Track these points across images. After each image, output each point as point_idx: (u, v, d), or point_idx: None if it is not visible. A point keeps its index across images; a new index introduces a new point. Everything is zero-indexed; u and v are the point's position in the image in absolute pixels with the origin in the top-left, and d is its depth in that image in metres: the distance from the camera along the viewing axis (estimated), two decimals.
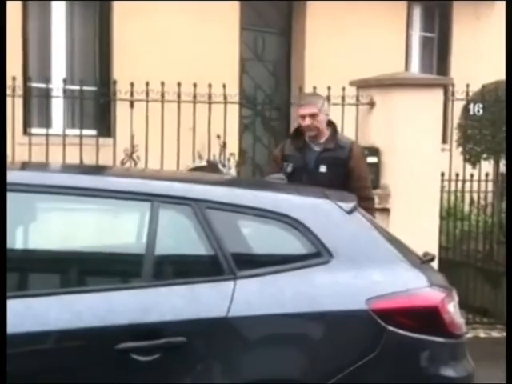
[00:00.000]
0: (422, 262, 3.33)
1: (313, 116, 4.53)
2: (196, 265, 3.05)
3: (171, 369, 2.80)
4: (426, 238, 5.39)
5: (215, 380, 2.86)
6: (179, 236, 3.07)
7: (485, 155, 6.62)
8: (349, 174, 4.50)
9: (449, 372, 2.99)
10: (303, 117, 4.58)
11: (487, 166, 6.55)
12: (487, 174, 6.32)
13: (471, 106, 6.24)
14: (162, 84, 5.42)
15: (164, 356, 2.77)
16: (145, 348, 2.76)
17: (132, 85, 5.38)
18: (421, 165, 5.62)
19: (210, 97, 5.51)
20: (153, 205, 2.97)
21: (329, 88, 5.62)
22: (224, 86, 5.51)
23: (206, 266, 3.01)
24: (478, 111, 6.21)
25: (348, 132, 5.63)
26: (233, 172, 4.93)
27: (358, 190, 4.20)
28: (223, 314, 2.84)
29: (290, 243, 3.08)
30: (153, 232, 2.92)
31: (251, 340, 2.92)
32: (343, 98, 5.75)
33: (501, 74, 7.29)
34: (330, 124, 4.69)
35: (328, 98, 5.65)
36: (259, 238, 3.16)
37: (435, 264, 5.14)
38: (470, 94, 6.11)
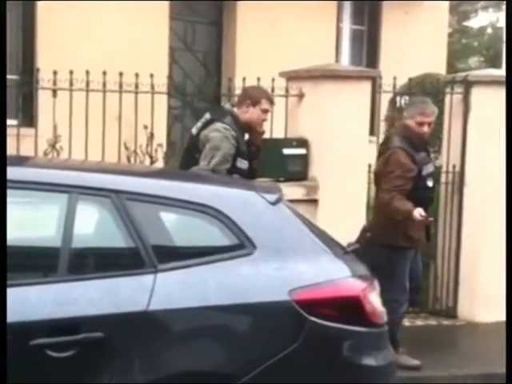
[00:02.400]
0: (345, 252, 3.35)
1: (430, 125, 4.81)
2: (115, 258, 2.99)
3: (89, 365, 2.73)
4: (353, 229, 5.41)
5: (135, 375, 2.81)
6: (98, 228, 3.01)
7: None
8: None
9: (370, 361, 3.02)
10: (423, 124, 4.74)
11: None
12: None
13: (398, 98, 6.33)
14: (87, 73, 5.29)
15: (81, 352, 2.70)
16: (60, 344, 2.69)
17: (55, 73, 5.23)
18: (349, 156, 5.66)
19: (136, 86, 5.41)
20: (71, 196, 2.89)
21: (258, 79, 5.59)
22: (151, 76, 5.42)
23: (126, 259, 2.95)
24: (405, 103, 6.30)
25: (277, 123, 5.63)
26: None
27: None
28: (143, 308, 2.80)
29: (213, 235, 3.05)
30: (70, 224, 2.85)
31: (172, 333, 2.88)
32: (273, 89, 5.72)
33: (427, 68, 7.45)
34: None
35: None
36: (182, 229, 3.13)
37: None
38: (398, 86, 6.19)
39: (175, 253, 2.99)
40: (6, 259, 2.72)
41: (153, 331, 2.81)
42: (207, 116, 4.66)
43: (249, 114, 4.60)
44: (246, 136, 4.64)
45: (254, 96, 4.63)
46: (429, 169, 4.81)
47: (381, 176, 4.89)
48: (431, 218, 4.68)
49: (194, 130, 4.67)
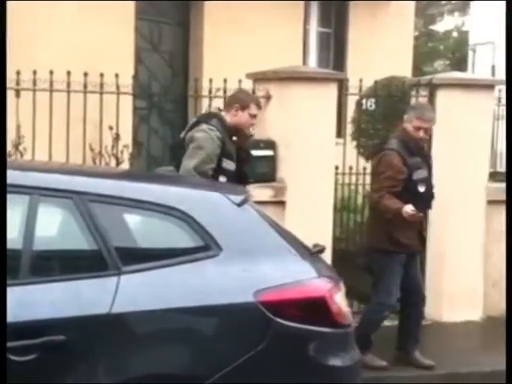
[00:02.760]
0: (311, 253, 3.35)
1: (427, 130, 4.82)
2: (78, 260, 2.95)
3: (51, 369, 2.69)
4: (320, 230, 5.46)
5: (99, 379, 2.78)
6: (60, 230, 2.96)
7: None
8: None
9: (336, 361, 3.02)
10: (419, 129, 4.75)
11: None
12: None
13: (364, 100, 6.36)
14: (51, 73, 5.22)
15: (42, 355, 2.66)
16: (22, 347, 2.65)
17: (18, 73, 5.15)
18: (316, 158, 5.67)
19: (101, 86, 5.35)
20: (32, 198, 2.85)
21: (225, 80, 5.58)
22: (116, 76, 5.36)
23: (89, 261, 2.92)
24: (371, 106, 6.34)
25: None
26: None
27: None
28: (106, 311, 2.76)
29: (178, 236, 3.04)
30: (31, 226, 2.81)
31: (136, 336, 2.86)
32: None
33: (394, 70, 7.49)
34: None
35: (224, 91, 5.61)
36: (146, 231, 3.10)
37: (329, 255, 5.24)
38: (364, 88, 6.22)
39: (139, 255, 2.97)
40: (5, 259, 2.68)
41: (116, 334, 2.79)
42: (194, 119, 4.70)
43: (237, 117, 4.60)
44: (234, 139, 4.63)
45: (244, 100, 4.65)
46: (421, 174, 4.78)
47: (373, 176, 4.92)
48: (421, 214, 4.62)
49: (182, 134, 4.67)
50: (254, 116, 4.64)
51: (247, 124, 4.64)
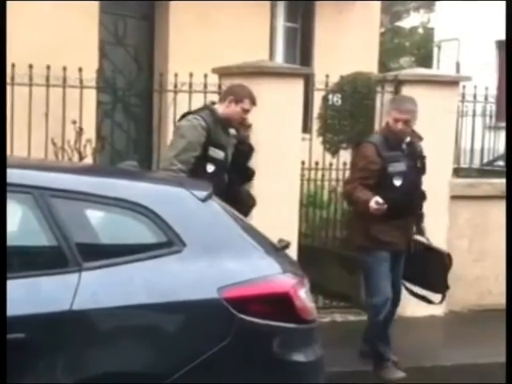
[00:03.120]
0: (276, 249, 3.34)
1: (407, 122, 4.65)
2: (38, 256, 2.90)
3: (9, 368, 2.62)
4: (286, 225, 5.45)
5: (59, 377, 2.73)
6: (20, 226, 2.91)
7: (344, 145, 6.78)
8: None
9: (299, 357, 3.02)
10: (398, 121, 4.59)
11: (346, 155, 6.72)
12: (345, 163, 6.48)
13: (330, 96, 6.36)
14: (13, 66, 5.13)
15: None
16: None
17: None
18: (282, 154, 5.66)
19: (64, 80, 5.27)
20: None
21: (191, 75, 5.53)
22: (80, 70, 5.29)
23: (49, 258, 2.87)
24: (337, 101, 6.35)
25: None
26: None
27: None
28: (67, 308, 2.72)
29: (140, 232, 3.00)
30: None
31: (98, 333, 2.82)
32: (205, 85, 5.68)
33: (360, 66, 7.52)
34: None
35: (190, 86, 5.57)
36: (108, 227, 3.06)
37: (295, 250, 5.24)
38: (331, 84, 6.22)
39: (101, 251, 2.93)
40: (5, 259, 2.65)
41: (77, 331, 2.74)
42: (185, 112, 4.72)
43: (229, 109, 4.59)
44: (233, 131, 4.63)
45: (238, 94, 4.63)
46: (397, 167, 4.61)
47: (350, 169, 4.87)
48: (385, 206, 4.39)
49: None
50: (246, 111, 4.61)
51: (237, 117, 4.61)
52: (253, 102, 4.67)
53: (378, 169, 4.59)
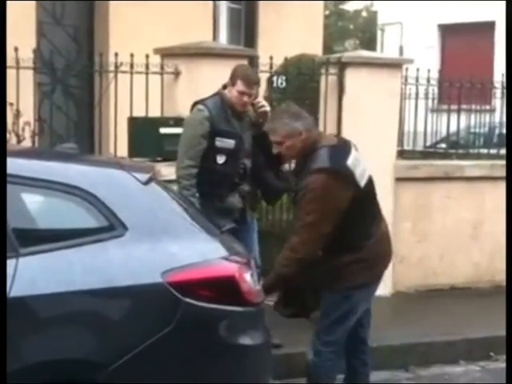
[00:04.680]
0: (221, 232, 3.29)
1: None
2: None
3: None
4: None
5: None
6: None
7: None
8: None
9: (247, 340, 2.99)
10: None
11: None
12: None
13: (275, 78, 6.31)
14: None
15: None
16: None
17: None
18: None
19: None
20: None
21: (132, 55, 5.40)
22: (16, 50, 5.09)
23: None
24: (282, 83, 6.29)
25: (153, 102, 5.47)
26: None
27: None
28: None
29: (80, 216, 2.92)
30: None
31: (37, 320, 2.74)
32: (147, 66, 5.55)
33: (305, 49, 7.50)
34: None
35: (131, 66, 5.44)
36: (47, 211, 2.97)
37: None
38: (275, 66, 6.17)
39: (39, 236, 2.85)
40: (5, 258, 2.60)
41: (15, 319, 2.65)
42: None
43: (230, 94, 4.34)
44: (251, 115, 4.43)
45: (233, 76, 4.36)
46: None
47: None
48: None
49: None
50: (242, 93, 4.27)
51: (238, 101, 4.31)
52: (247, 84, 4.28)
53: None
